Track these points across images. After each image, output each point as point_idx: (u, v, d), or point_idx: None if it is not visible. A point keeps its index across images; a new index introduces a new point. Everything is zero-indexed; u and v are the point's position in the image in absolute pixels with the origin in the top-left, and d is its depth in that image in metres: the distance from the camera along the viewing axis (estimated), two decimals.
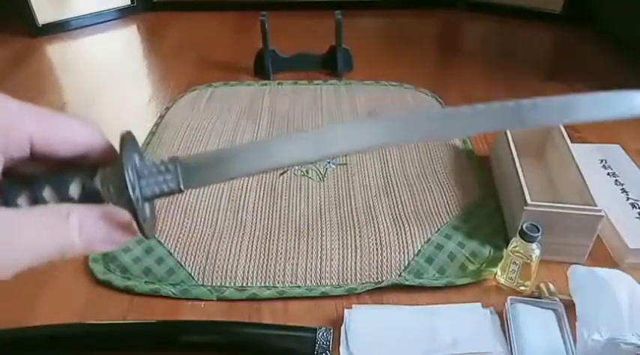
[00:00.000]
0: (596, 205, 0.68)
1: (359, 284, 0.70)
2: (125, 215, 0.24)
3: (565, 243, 0.70)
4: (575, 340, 0.60)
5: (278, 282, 0.70)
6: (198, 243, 0.75)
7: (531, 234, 0.65)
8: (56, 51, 1.52)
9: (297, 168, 0.92)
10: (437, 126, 0.26)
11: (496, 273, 0.71)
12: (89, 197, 0.25)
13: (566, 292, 0.65)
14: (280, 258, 0.73)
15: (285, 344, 0.61)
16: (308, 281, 0.70)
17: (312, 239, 0.76)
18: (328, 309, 0.67)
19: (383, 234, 0.76)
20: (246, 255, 0.73)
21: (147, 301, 0.68)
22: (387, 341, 0.61)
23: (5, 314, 0.67)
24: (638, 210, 0.79)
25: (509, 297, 0.65)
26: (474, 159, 0.95)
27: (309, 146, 0.26)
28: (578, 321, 0.60)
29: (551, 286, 0.67)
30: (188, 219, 0.80)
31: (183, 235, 0.77)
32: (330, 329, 0.61)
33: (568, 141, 0.81)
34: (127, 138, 0.26)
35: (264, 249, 0.75)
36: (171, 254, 0.73)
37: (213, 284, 0.70)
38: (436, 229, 0.77)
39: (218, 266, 0.72)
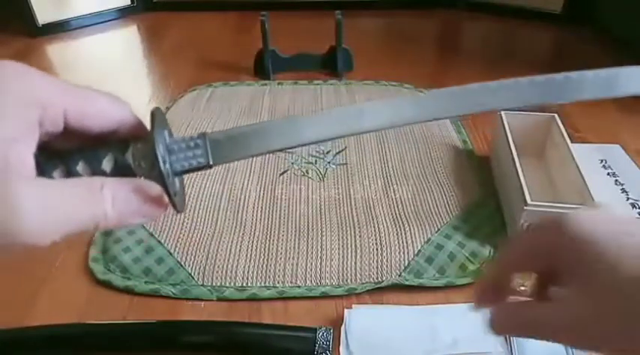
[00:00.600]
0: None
1: (359, 284, 0.70)
2: (156, 188, 0.25)
3: None
4: None
5: (278, 282, 0.70)
6: (198, 243, 0.75)
7: None
8: (56, 51, 1.52)
9: (297, 167, 0.92)
10: (466, 101, 0.26)
11: None
12: (121, 171, 0.25)
13: None
14: (280, 258, 0.73)
15: (285, 344, 0.61)
16: (308, 281, 0.70)
17: (312, 239, 0.76)
18: (328, 309, 0.67)
19: (383, 234, 0.76)
20: (246, 255, 0.74)
21: (147, 301, 0.68)
22: (387, 341, 0.61)
23: (5, 314, 0.67)
24: (638, 210, 0.79)
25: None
26: (474, 159, 0.95)
27: (337, 122, 0.26)
28: None
29: None
30: (188, 219, 0.80)
31: (183, 235, 0.77)
32: (330, 329, 0.61)
33: (568, 141, 0.81)
34: (157, 115, 0.27)
35: (264, 249, 0.75)
36: (171, 254, 0.74)
37: (213, 284, 0.70)
38: (436, 229, 0.77)
39: (218, 266, 0.72)
